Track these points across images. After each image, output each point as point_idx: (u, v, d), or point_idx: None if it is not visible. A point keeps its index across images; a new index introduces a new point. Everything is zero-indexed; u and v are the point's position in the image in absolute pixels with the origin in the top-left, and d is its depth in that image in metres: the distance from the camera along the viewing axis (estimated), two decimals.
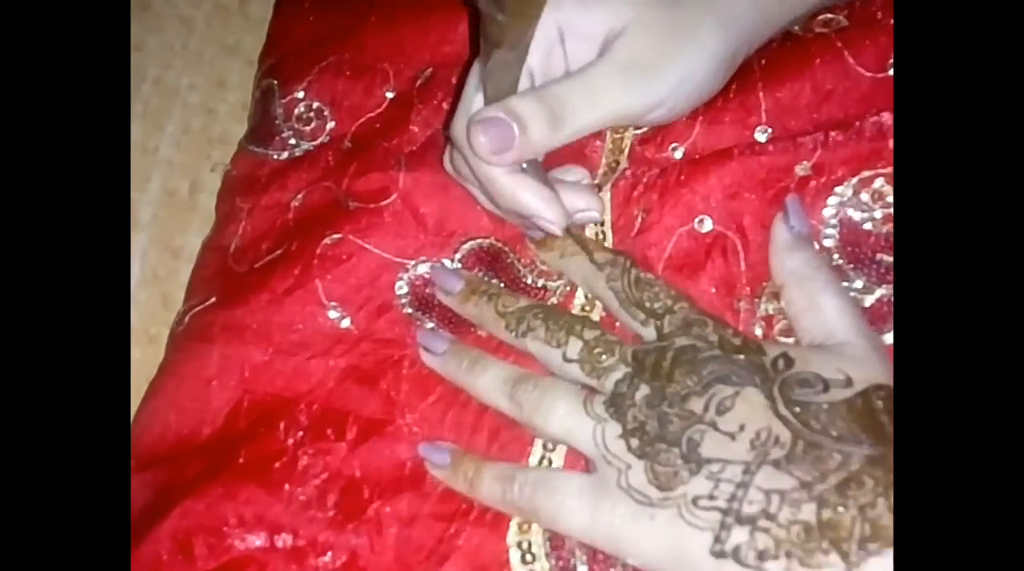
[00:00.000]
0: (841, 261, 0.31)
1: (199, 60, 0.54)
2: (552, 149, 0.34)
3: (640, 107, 0.33)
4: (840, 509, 0.24)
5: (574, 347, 0.30)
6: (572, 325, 0.31)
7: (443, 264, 0.37)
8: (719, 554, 0.25)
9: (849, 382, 0.26)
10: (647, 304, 0.31)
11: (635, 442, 0.27)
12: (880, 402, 0.25)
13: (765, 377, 0.27)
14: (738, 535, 0.25)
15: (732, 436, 0.26)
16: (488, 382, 0.32)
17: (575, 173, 0.36)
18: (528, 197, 0.33)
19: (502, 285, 0.36)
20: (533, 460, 0.31)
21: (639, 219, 0.34)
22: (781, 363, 0.27)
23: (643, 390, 0.28)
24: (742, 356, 0.28)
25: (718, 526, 0.25)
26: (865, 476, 0.24)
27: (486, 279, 0.36)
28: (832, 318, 0.29)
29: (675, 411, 0.27)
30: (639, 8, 0.33)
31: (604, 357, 0.30)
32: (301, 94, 0.44)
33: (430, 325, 0.36)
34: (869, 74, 0.33)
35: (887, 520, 0.23)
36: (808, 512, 0.24)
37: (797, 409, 0.26)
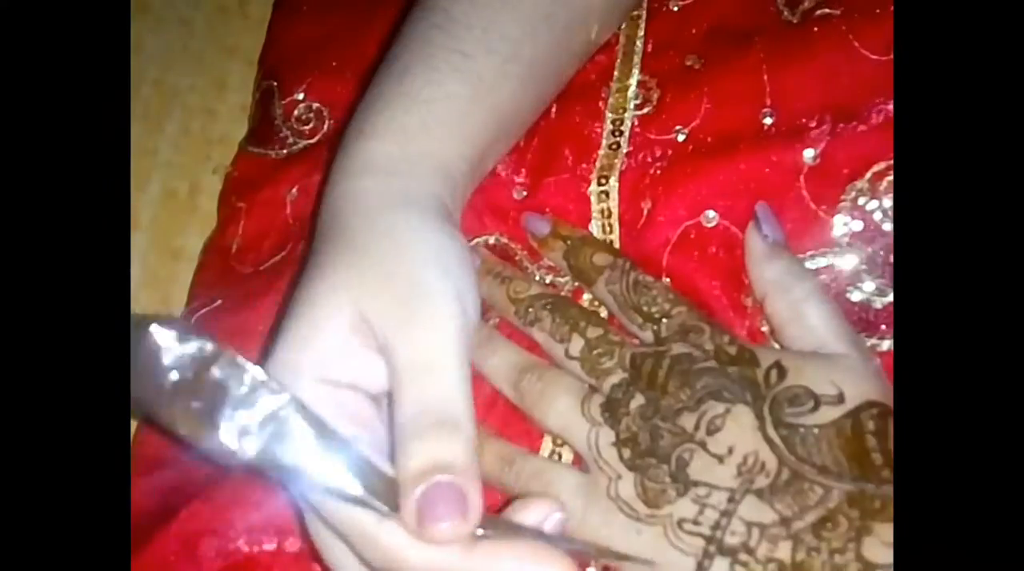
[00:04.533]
0: (855, 262, 0.31)
1: (199, 61, 0.54)
2: None
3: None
4: (813, 553, 0.24)
5: (576, 345, 0.30)
6: (577, 321, 0.31)
7: None
8: None
9: (841, 398, 0.26)
10: (644, 308, 0.31)
11: (627, 452, 0.28)
12: (871, 423, 0.26)
13: (756, 393, 0.27)
14: (719, 566, 0.25)
15: (720, 459, 0.26)
16: (496, 365, 0.32)
17: (536, 512, 0.27)
18: None
19: None
20: (543, 453, 0.31)
21: (645, 212, 0.34)
22: (774, 375, 0.27)
23: (638, 400, 0.28)
24: (736, 368, 0.28)
25: (701, 553, 0.25)
26: (841, 516, 0.24)
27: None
28: (820, 327, 0.29)
29: (667, 425, 0.27)
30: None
31: (603, 359, 0.30)
32: (301, 95, 0.44)
33: None
34: (875, 57, 0.33)
35: (853, 569, 0.24)
36: (784, 551, 0.25)
37: (784, 432, 0.26)
